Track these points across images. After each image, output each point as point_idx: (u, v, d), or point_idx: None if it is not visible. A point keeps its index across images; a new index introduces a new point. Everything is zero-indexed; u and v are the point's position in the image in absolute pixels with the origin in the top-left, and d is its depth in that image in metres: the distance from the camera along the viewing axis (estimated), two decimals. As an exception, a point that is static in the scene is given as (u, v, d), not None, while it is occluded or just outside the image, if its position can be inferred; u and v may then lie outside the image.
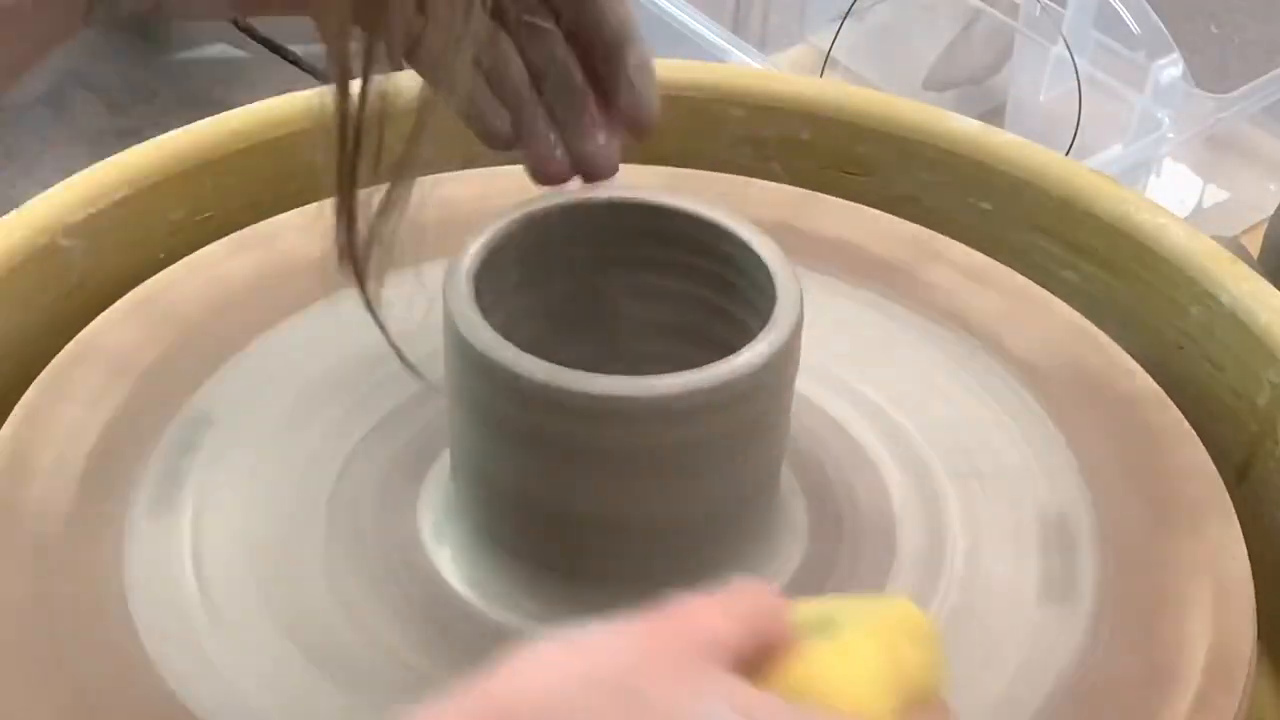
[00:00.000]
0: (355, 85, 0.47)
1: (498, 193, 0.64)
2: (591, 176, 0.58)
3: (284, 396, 0.64)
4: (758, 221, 0.58)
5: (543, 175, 0.58)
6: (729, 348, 0.53)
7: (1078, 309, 0.71)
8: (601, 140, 0.58)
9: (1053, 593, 0.58)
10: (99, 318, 0.67)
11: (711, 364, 0.52)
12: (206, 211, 0.76)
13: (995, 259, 0.72)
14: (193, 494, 0.60)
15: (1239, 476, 0.68)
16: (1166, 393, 0.67)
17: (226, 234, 0.72)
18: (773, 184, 0.76)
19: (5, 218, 0.71)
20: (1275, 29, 2.11)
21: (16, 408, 0.63)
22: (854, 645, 0.42)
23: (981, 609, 0.57)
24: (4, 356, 0.69)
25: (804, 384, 0.57)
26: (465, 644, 0.55)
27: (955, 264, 0.72)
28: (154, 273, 0.70)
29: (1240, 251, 0.87)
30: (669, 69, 0.83)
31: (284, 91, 0.79)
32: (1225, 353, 0.70)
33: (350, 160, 0.47)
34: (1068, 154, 1.06)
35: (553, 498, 0.54)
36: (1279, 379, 0.67)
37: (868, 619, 0.44)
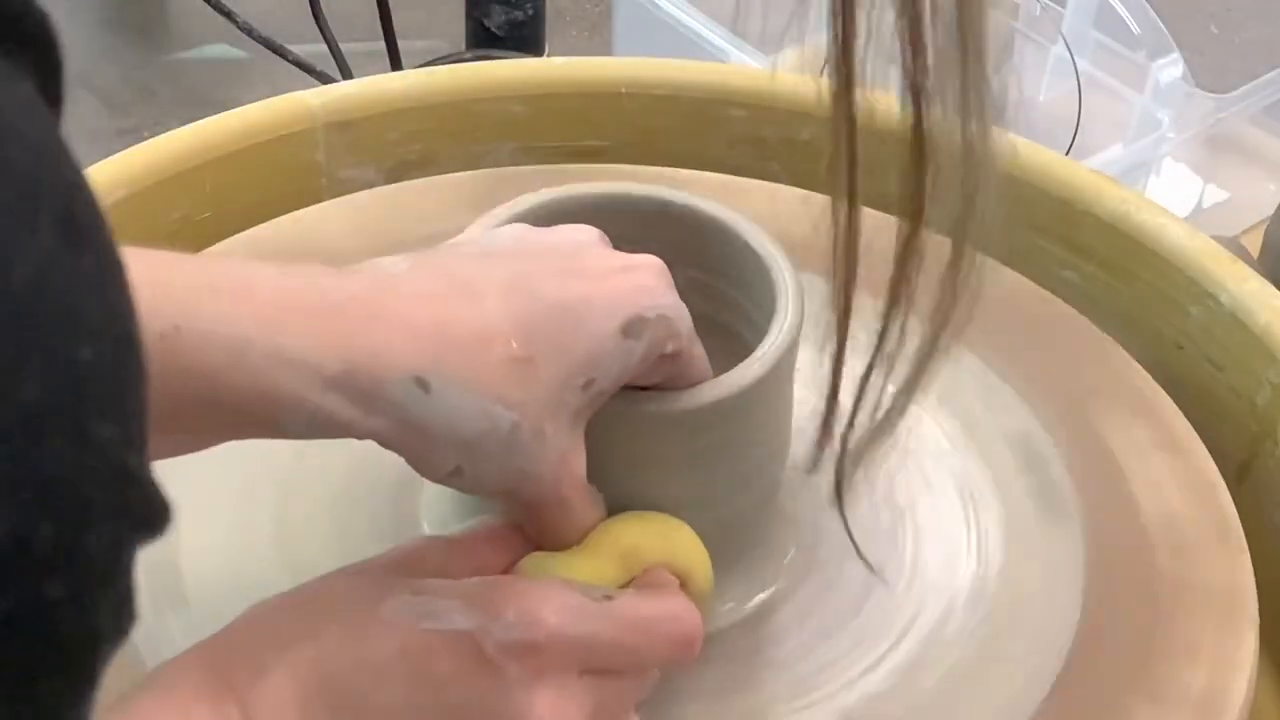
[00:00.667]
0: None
1: (490, 193, 0.63)
2: None
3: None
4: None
5: None
6: (731, 333, 0.54)
7: (1078, 309, 0.71)
8: None
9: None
10: (99, 318, 0.67)
11: (713, 380, 0.52)
12: (206, 211, 0.76)
13: (995, 259, 0.72)
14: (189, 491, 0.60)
15: (1239, 476, 0.68)
16: (1167, 393, 0.67)
17: (226, 234, 0.72)
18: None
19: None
20: (1275, 29, 2.11)
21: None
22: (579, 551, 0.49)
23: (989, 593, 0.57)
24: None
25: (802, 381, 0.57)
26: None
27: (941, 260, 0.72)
28: (154, 273, 0.70)
29: (1240, 251, 0.87)
30: (669, 69, 0.83)
31: (284, 91, 0.79)
32: (1225, 353, 0.70)
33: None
34: (1068, 154, 1.06)
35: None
36: (1279, 379, 0.67)
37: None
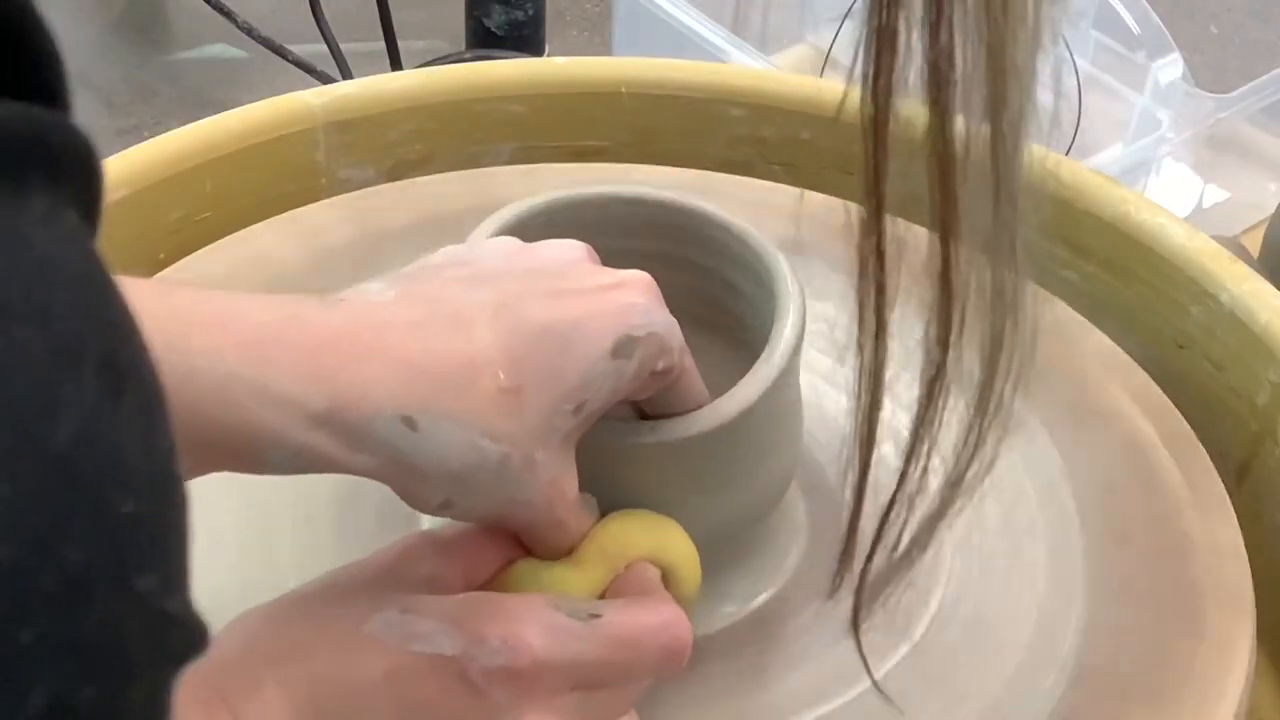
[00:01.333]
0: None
1: (489, 193, 0.63)
2: None
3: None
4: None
5: None
6: (731, 335, 0.54)
7: (1078, 309, 0.71)
8: None
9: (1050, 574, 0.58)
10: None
11: (713, 404, 0.51)
12: (206, 211, 0.76)
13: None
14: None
15: (1239, 476, 0.68)
16: (1166, 393, 0.67)
17: (226, 234, 0.72)
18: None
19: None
20: (1275, 29, 2.11)
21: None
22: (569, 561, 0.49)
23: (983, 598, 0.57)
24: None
25: (802, 381, 0.57)
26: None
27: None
28: (153, 273, 0.70)
29: (1240, 251, 0.87)
30: (669, 69, 0.83)
31: (284, 91, 0.79)
32: (1225, 353, 0.70)
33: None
34: (1068, 154, 1.06)
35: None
36: (1279, 379, 0.67)
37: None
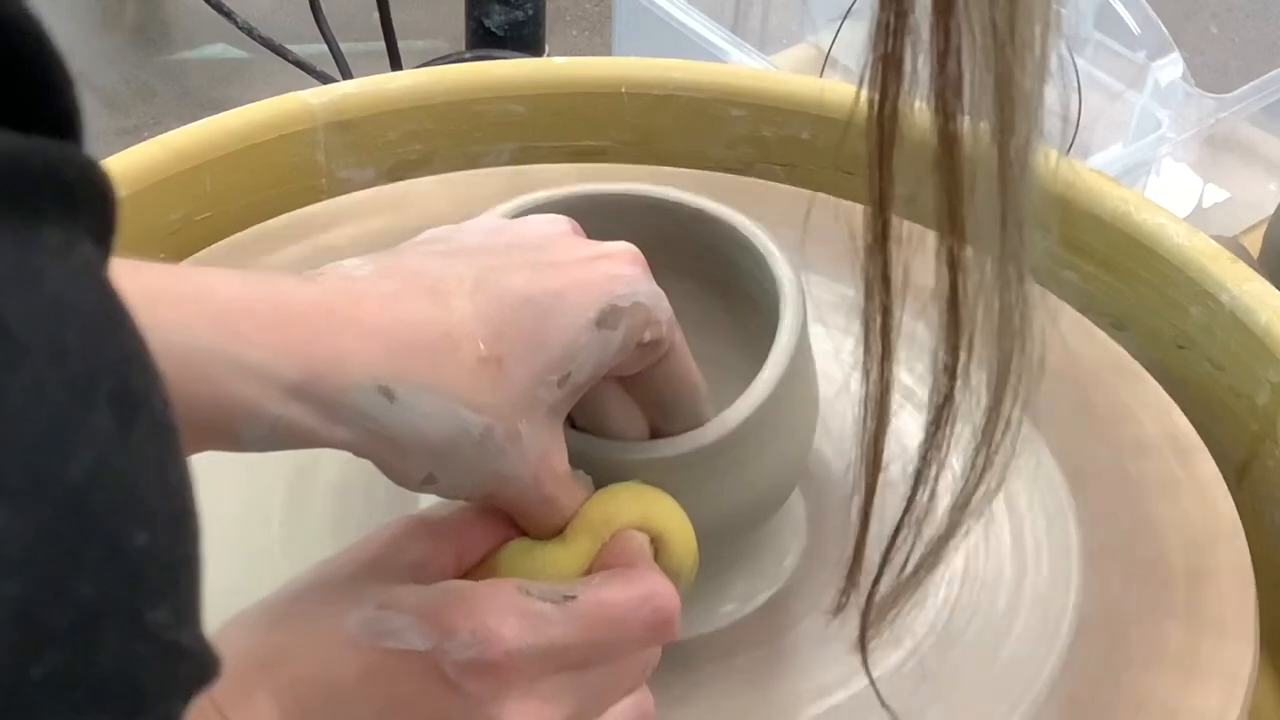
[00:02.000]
0: None
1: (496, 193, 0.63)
2: None
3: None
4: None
5: None
6: (734, 339, 0.54)
7: (1078, 309, 0.71)
8: None
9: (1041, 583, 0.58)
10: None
11: (720, 416, 0.51)
12: (206, 211, 0.76)
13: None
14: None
15: (1239, 476, 0.68)
16: (1167, 393, 0.67)
17: (226, 234, 0.73)
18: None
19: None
20: (1275, 29, 2.12)
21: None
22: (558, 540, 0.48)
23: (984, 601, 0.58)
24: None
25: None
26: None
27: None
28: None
29: (1240, 251, 0.87)
30: (669, 69, 0.83)
31: (284, 91, 0.79)
32: (1225, 353, 0.70)
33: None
34: (1068, 154, 1.06)
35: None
36: (1279, 379, 0.67)
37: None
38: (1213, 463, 0.63)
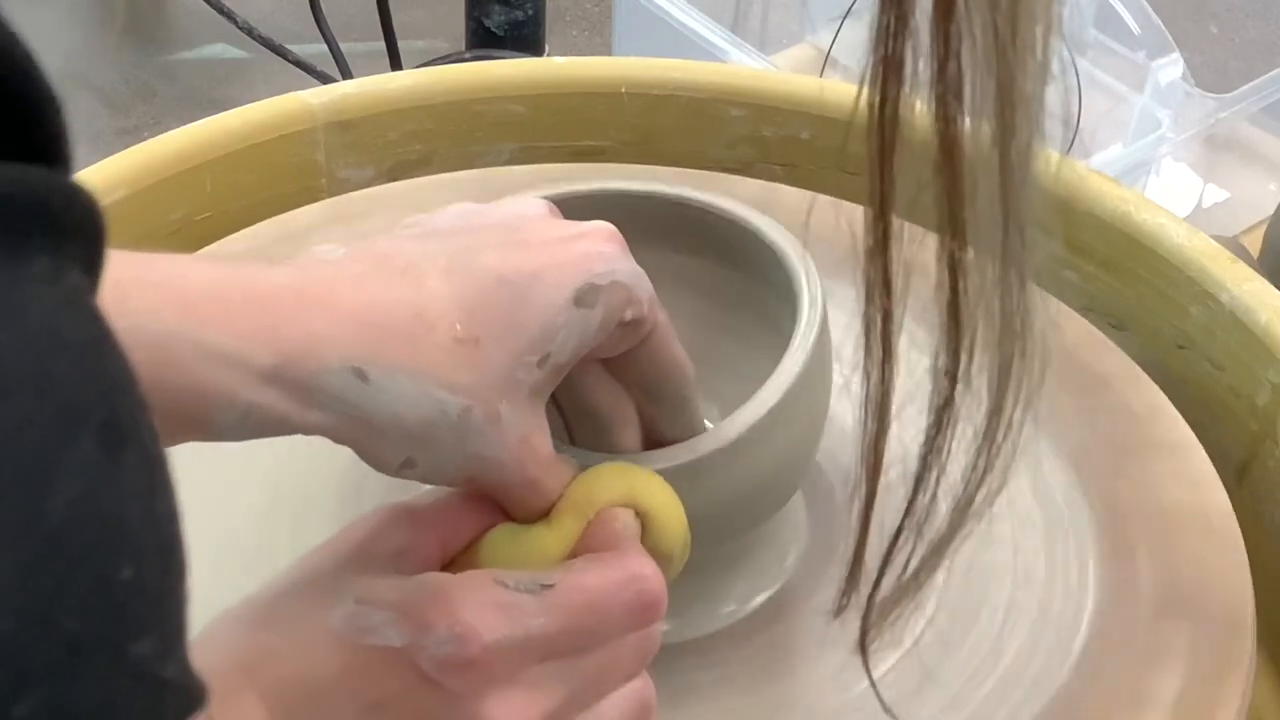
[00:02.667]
0: None
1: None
2: None
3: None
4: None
5: None
6: (757, 335, 0.54)
7: (1077, 309, 0.71)
8: None
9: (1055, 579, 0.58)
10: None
11: (730, 418, 0.51)
12: (206, 211, 0.76)
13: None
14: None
15: (1239, 476, 0.68)
16: (1166, 393, 0.67)
17: (226, 234, 0.73)
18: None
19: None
20: (1275, 29, 2.12)
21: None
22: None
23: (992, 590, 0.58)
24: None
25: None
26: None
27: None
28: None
29: (1240, 251, 0.87)
30: (669, 69, 0.83)
31: (284, 91, 0.79)
32: (1225, 353, 0.70)
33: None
34: (1068, 154, 1.06)
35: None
36: (1279, 379, 0.67)
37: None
38: (1210, 464, 0.63)
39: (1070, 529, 0.61)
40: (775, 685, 0.55)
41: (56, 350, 0.25)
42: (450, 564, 0.47)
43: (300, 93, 0.79)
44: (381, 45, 1.40)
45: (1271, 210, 0.97)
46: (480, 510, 0.47)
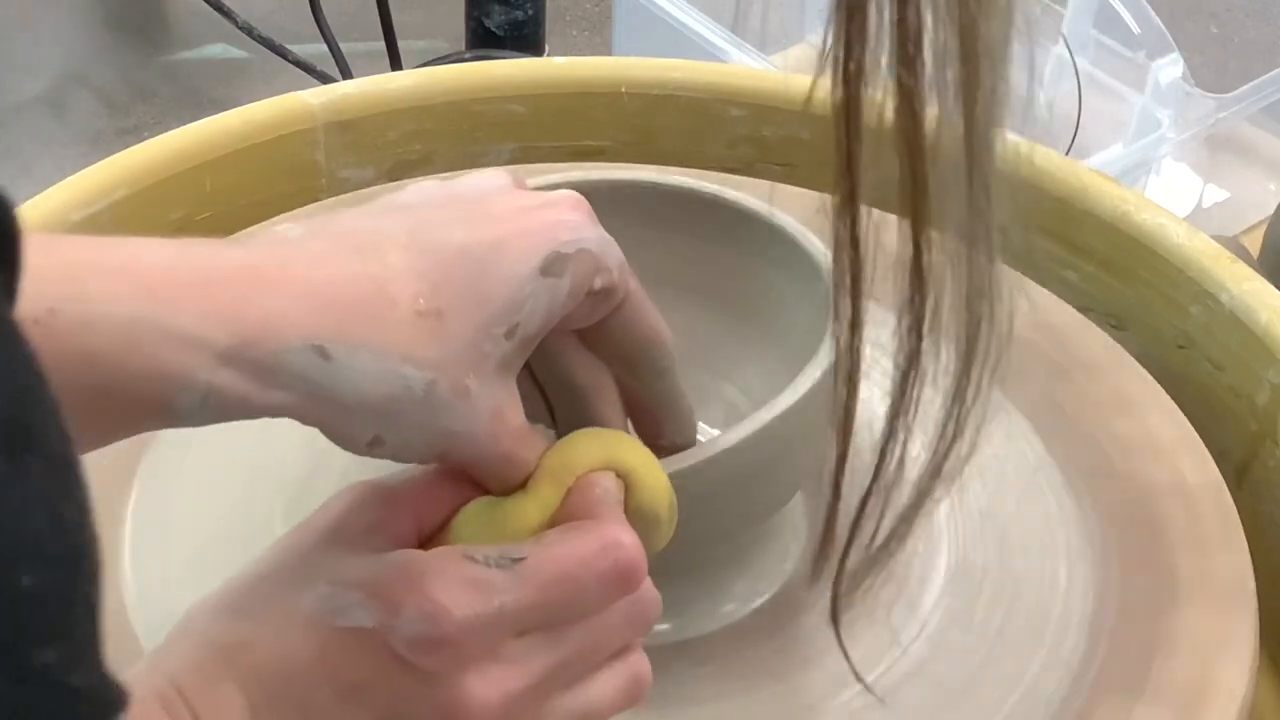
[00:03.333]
0: None
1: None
2: None
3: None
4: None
5: None
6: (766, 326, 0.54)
7: (1078, 309, 0.71)
8: None
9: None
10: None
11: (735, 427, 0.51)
12: (206, 211, 0.76)
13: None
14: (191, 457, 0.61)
15: (1239, 476, 0.68)
16: (1167, 393, 0.67)
17: (226, 234, 0.72)
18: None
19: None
20: (1275, 29, 2.11)
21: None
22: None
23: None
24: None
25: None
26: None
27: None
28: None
29: (1240, 251, 0.87)
30: (669, 69, 0.83)
31: (284, 91, 0.79)
32: (1225, 353, 0.70)
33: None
34: (1068, 154, 1.06)
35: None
36: (1279, 379, 0.67)
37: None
38: (1212, 462, 0.63)
39: (1068, 529, 0.60)
40: (775, 685, 0.55)
41: None
42: (428, 541, 0.46)
43: (300, 93, 0.79)
44: (381, 45, 1.40)
45: (1271, 210, 0.97)
46: (456, 486, 0.46)
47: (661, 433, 0.52)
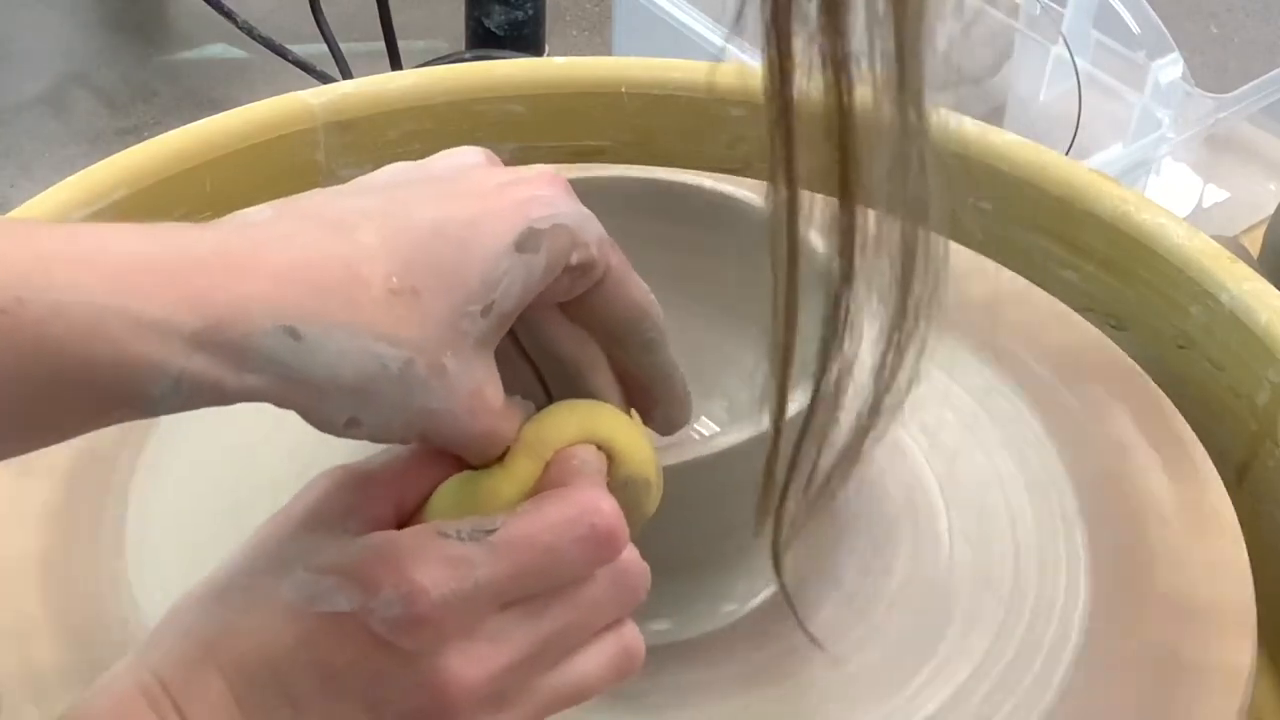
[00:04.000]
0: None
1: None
2: None
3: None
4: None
5: None
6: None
7: (1078, 309, 0.71)
8: None
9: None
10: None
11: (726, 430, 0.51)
12: (206, 211, 0.76)
13: (995, 259, 0.72)
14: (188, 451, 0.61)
15: (1239, 476, 0.68)
16: (1166, 393, 0.67)
17: (226, 234, 0.73)
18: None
19: (4, 217, 0.71)
20: (1275, 29, 2.12)
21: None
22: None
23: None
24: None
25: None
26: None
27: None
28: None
29: (1240, 251, 0.87)
30: (669, 69, 0.83)
31: (284, 91, 0.79)
32: (1225, 353, 0.70)
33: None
34: (1068, 154, 1.06)
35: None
36: (1279, 379, 0.67)
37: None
38: (1210, 463, 0.63)
39: (1067, 529, 0.60)
40: (775, 685, 0.55)
41: None
42: (408, 521, 0.46)
43: (300, 93, 0.79)
44: (381, 45, 1.40)
45: (1271, 210, 0.97)
46: (437, 465, 0.46)
47: (655, 408, 0.51)
